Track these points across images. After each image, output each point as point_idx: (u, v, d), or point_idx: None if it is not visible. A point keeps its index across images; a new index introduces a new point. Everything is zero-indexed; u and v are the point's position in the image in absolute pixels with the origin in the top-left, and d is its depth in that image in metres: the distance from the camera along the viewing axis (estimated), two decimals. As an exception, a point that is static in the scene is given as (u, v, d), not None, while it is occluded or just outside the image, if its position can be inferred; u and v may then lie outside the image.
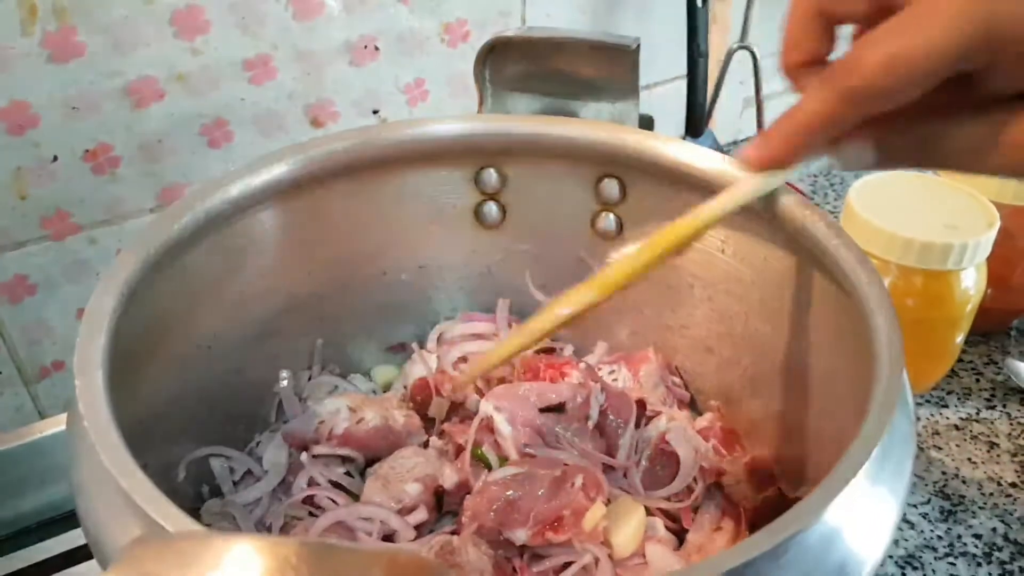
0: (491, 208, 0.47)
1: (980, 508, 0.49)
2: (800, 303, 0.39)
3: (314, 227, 0.44)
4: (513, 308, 0.49)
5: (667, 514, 0.40)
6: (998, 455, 0.53)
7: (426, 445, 0.43)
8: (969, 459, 0.52)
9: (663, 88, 0.78)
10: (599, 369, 0.46)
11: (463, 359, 0.47)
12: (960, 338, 0.53)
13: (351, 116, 0.62)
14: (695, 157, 0.41)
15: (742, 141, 0.88)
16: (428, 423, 0.45)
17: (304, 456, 0.41)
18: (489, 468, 0.39)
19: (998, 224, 0.49)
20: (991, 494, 0.50)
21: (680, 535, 0.40)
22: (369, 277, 0.47)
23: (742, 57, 0.74)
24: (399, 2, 0.60)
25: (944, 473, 0.52)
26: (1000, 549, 0.47)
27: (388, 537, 0.38)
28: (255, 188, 0.39)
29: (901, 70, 0.26)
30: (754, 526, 0.39)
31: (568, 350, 0.49)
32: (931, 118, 0.28)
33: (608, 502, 0.38)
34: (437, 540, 0.36)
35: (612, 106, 0.46)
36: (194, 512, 0.39)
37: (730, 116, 0.86)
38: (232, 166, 0.40)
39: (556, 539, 0.36)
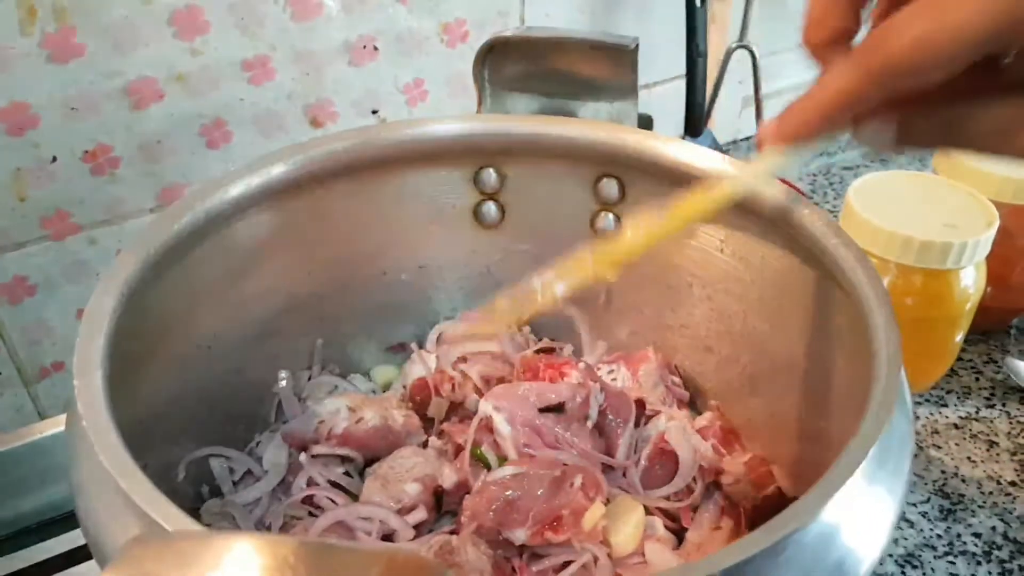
0: (490, 208, 0.47)
1: (979, 507, 0.49)
2: (799, 302, 0.39)
3: (314, 227, 0.44)
4: (512, 308, 0.49)
5: (666, 513, 0.40)
6: (997, 454, 0.53)
7: (425, 445, 0.43)
8: (968, 458, 0.52)
9: (662, 88, 0.78)
10: (598, 369, 0.46)
11: (463, 359, 0.47)
12: (959, 337, 0.53)
13: (350, 116, 0.62)
14: (694, 157, 0.41)
15: (741, 141, 0.88)
16: (427, 423, 0.45)
17: (303, 456, 0.41)
18: (488, 468, 0.39)
19: (997, 223, 0.49)
20: (990, 493, 0.50)
21: (679, 534, 0.40)
22: (369, 277, 0.47)
23: (741, 56, 0.75)
24: (398, 2, 0.60)
25: (944, 472, 0.52)
26: (999, 548, 0.47)
27: (387, 537, 0.38)
28: (255, 188, 0.39)
29: (930, 50, 0.26)
30: (753, 525, 0.39)
31: (567, 350, 0.49)
32: (956, 100, 0.28)
33: (607, 501, 0.38)
34: (436, 540, 0.36)
35: (611, 106, 0.46)
36: (194, 512, 0.39)
37: (729, 116, 0.86)
38: (232, 166, 0.40)
39: (555, 539, 0.36)
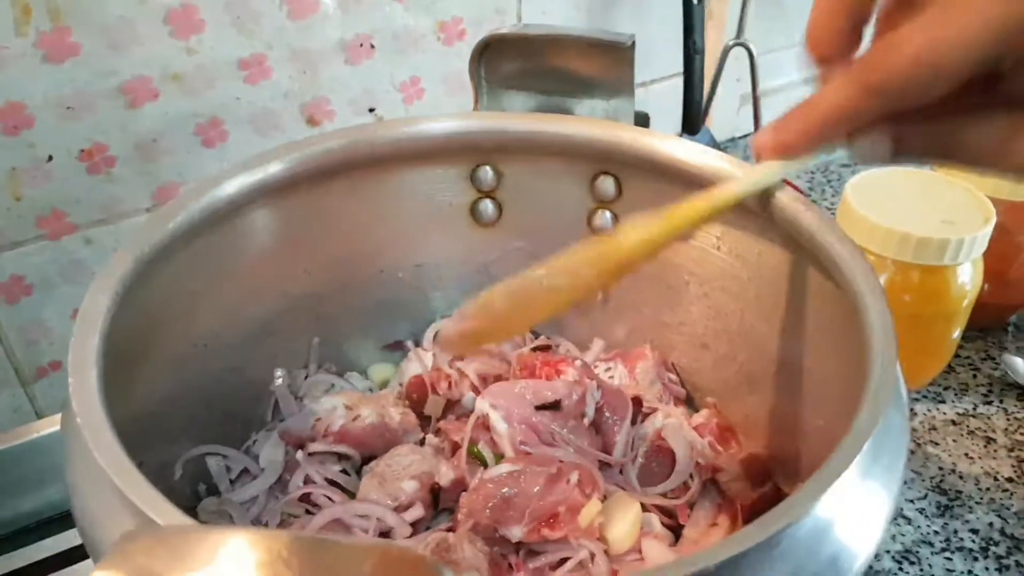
0: (487, 206, 0.47)
1: (977, 503, 0.49)
2: (795, 299, 0.39)
3: (310, 226, 0.44)
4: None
5: (663, 510, 0.40)
6: (995, 450, 0.53)
7: (422, 443, 0.43)
8: (966, 454, 0.52)
9: (660, 85, 0.78)
10: (595, 366, 0.46)
11: (459, 357, 0.47)
12: (957, 334, 0.53)
13: (347, 115, 0.62)
14: (691, 154, 0.41)
15: (739, 138, 0.88)
16: (424, 421, 0.45)
17: (300, 454, 0.41)
18: (485, 465, 0.39)
19: (994, 219, 0.49)
20: (988, 489, 0.50)
21: (676, 531, 0.40)
22: (366, 275, 0.47)
23: (738, 54, 0.74)
24: (394, 0, 0.60)
25: (941, 468, 0.52)
26: (996, 544, 0.47)
27: (384, 534, 0.38)
28: (250, 187, 0.39)
29: (928, 66, 0.26)
30: (750, 522, 0.39)
31: (564, 347, 0.49)
32: (952, 116, 0.28)
33: (604, 498, 0.38)
34: (433, 537, 0.36)
35: (607, 103, 0.46)
36: (191, 511, 0.39)
37: (727, 113, 0.86)
38: (228, 165, 0.40)
39: (552, 536, 0.36)
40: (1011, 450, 0.53)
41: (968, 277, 0.50)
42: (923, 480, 0.51)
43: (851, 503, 0.26)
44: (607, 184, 0.45)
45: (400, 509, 0.39)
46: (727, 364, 0.44)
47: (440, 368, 0.46)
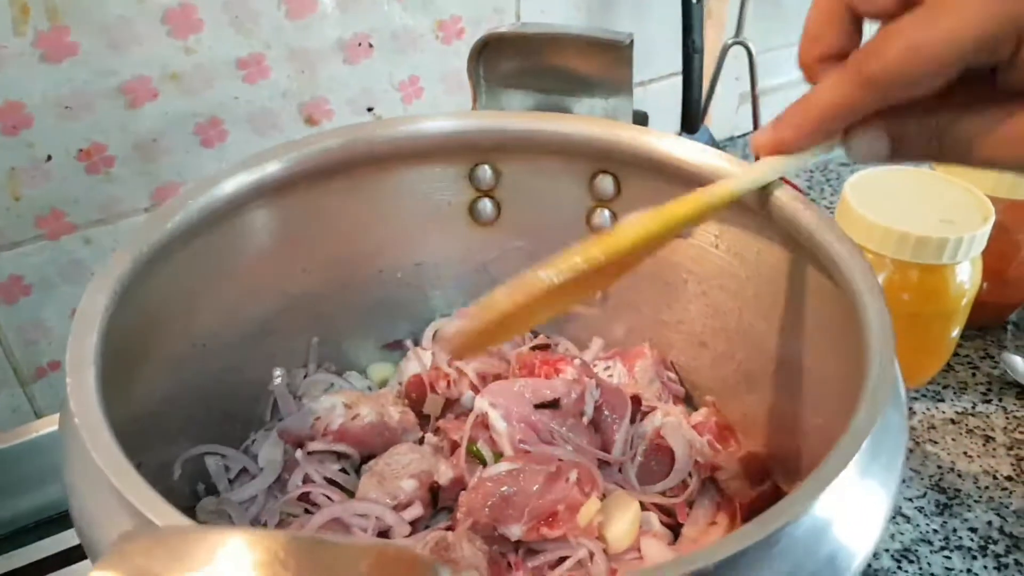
0: (486, 205, 0.47)
1: (976, 502, 0.49)
2: (794, 298, 0.39)
3: (309, 225, 0.44)
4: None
5: (662, 509, 0.40)
6: (994, 449, 0.53)
7: (421, 441, 0.43)
8: (965, 453, 0.52)
9: (659, 84, 0.78)
10: (594, 365, 0.46)
11: (459, 357, 0.47)
12: (956, 332, 0.53)
13: (345, 114, 0.62)
14: (689, 152, 0.41)
15: (738, 137, 0.88)
16: (423, 420, 0.45)
17: (299, 453, 0.41)
18: (484, 464, 0.39)
19: (993, 218, 0.49)
20: (986, 488, 0.50)
21: (675, 530, 0.40)
22: (365, 275, 0.47)
23: (737, 53, 0.74)
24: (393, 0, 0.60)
25: (940, 467, 0.52)
26: (995, 542, 0.47)
27: (384, 533, 0.38)
28: (249, 186, 0.39)
29: (922, 59, 0.26)
30: (749, 520, 0.39)
31: (563, 346, 0.49)
32: (949, 110, 0.28)
33: (603, 497, 0.38)
34: (432, 536, 0.36)
35: (606, 102, 0.46)
36: (189, 511, 0.39)
37: (726, 112, 0.86)
38: (226, 165, 0.40)
39: (551, 534, 0.36)
40: (1010, 448, 0.53)
41: (967, 276, 0.50)
42: (922, 479, 0.51)
43: (849, 502, 0.26)
44: (606, 183, 0.45)
45: (399, 508, 0.39)
46: (726, 362, 0.44)
47: (439, 367, 0.46)
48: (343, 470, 0.42)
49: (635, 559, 0.37)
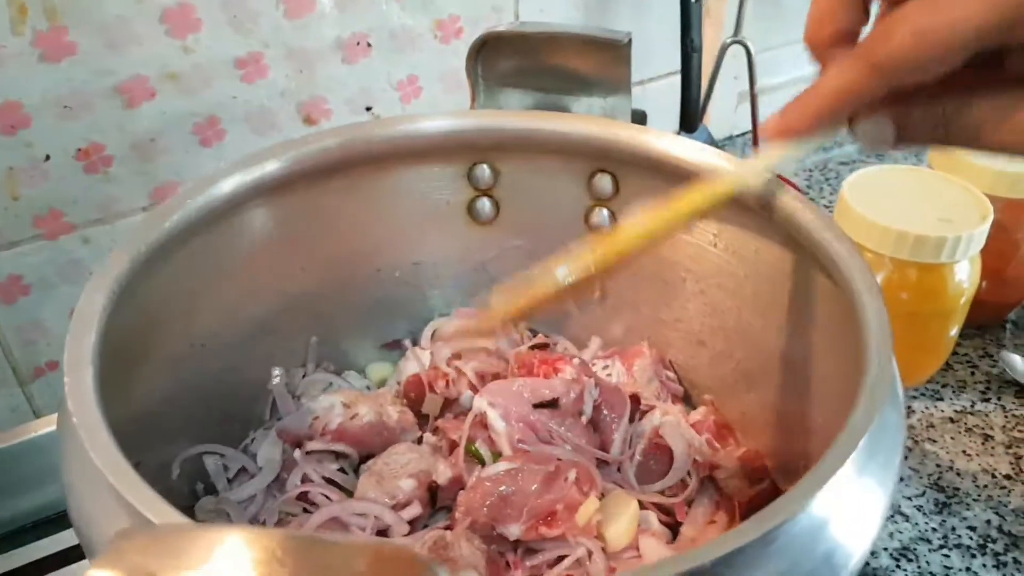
0: (484, 204, 0.47)
1: (974, 500, 0.49)
2: (792, 296, 0.39)
3: (307, 224, 0.44)
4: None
5: (661, 508, 0.40)
6: (992, 447, 0.53)
7: (420, 441, 0.43)
8: (964, 452, 0.53)
9: (657, 84, 0.78)
10: (593, 364, 0.46)
11: (457, 355, 0.47)
12: (954, 331, 0.53)
13: (344, 114, 0.62)
14: (688, 151, 0.41)
15: (737, 136, 0.88)
16: (422, 419, 0.45)
17: (298, 452, 0.41)
18: (483, 464, 0.39)
19: (992, 217, 0.49)
20: (985, 486, 0.50)
21: (674, 528, 0.40)
22: (363, 274, 0.47)
23: (736, 52, 0.74)
24: (391, -1, 0.60)
25: (939, 466, 0.52)
26: (994, 541, 0.47)
27: (382, 532, 0.38)
28: (247, 185, 0.39)
29: (931, 43, 0.26)
30: (747, 519, 0.39)
31: (562, 346, 0.49)
32: (955, 95, 0.28)
33: (602, 496, 0.38)
34: (430, 535, 0.36)
35: (604, 101, 0.46)
36: (188, 510, 0.39)
37: (725, 111, 0.86)
38: (225, 164, 0.40)
39: (549, 533, 0.36)
40: (1009, 447, 0.53)
41: (966, 275, 0.50)
42: (921, 477, 0.51)
43: (847, 500, 0.26)
44: (604, 182, 0.45)
45: (398, 507, 0.39)
46: (724, 361, 0.44)
47: (438, 367, 0.46)
48: (342, 469, 0.42)
49: (633, 558, 0.37)
